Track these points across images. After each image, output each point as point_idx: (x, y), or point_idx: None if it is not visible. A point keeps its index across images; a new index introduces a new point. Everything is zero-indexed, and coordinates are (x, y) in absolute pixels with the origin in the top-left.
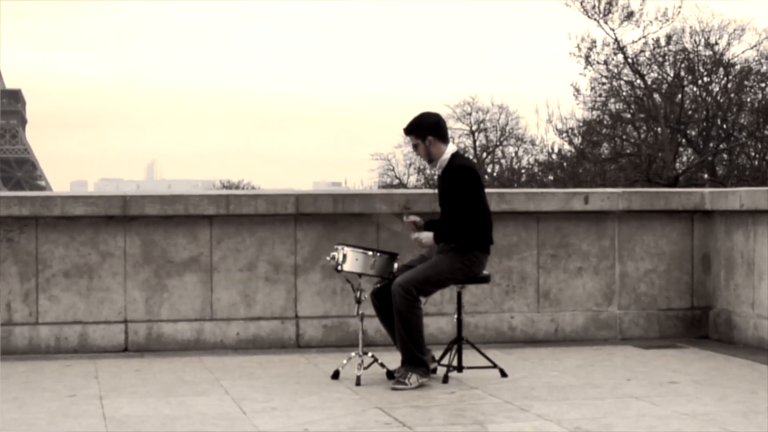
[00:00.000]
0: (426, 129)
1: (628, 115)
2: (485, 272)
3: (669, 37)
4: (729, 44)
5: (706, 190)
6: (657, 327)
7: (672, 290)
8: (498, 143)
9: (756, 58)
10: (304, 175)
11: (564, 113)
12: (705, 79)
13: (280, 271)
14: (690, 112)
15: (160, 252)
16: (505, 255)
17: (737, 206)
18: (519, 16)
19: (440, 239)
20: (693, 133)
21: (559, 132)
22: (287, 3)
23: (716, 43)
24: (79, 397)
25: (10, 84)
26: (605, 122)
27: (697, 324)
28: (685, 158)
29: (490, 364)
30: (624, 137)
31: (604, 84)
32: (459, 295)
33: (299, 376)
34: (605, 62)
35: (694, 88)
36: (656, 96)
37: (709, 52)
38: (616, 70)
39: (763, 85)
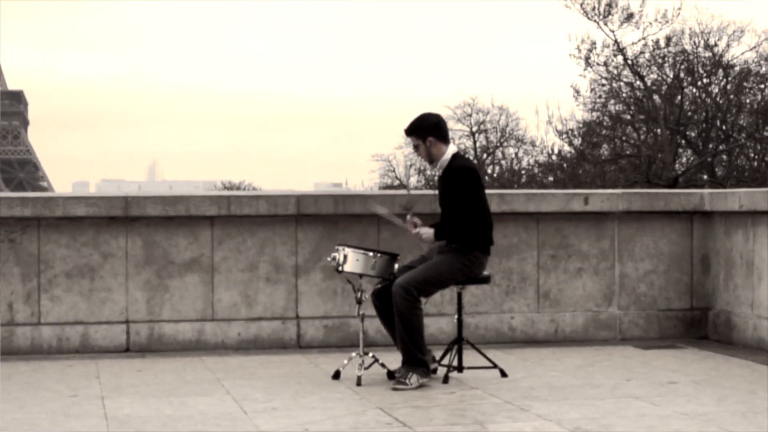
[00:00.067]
0: (427, 130)
1: (628, 117)
2: (485, 273)
3: (669, 39)
4: (728, 46)
5: (706, 191)
6: (657, 327)
7: (671, 291)
8: (498, 144)
9: (755, 60)
10: (304, 176)
11: (564, 114)
12: (704, 80)
13: (281, 272)
14: (689, 114)
15: (162, 252)
16: (505, 256)
17: (736, 207)
18: (519, 17)
19: (440, 238)
20: (692, 134)
21: (559, 133)
22: (287, 3)
23: (716, 45)
24: (80, 397)
25: (12, 85)
26: (605, 123)
27: (697, 324)
28: (684, 159)
29: (490, 364)
30: (624, 138)
31: (603, 85)
32: (459, 296)
33: (300, 376)
34: (605, 64)
35: (694, 90)
36: (656, 97)
37: (708, 54)
38: (615, 72)
39: (762, 86)
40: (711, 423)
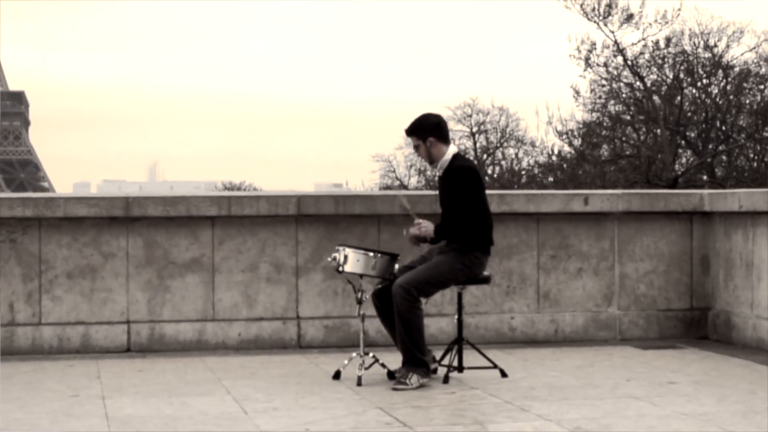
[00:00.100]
0: (427, 130)
1: (628, 117)
2: (486, 273)
3: (668, 40)
4: (728, 46)
5: (705, 191)
6: (656, 327)
7: (671, 291)
8: (498, 145)
9: (755, 60)
10: (305, 177)
11: (564, 115)
12: (704, 81)
13: (282, 272)
14: (689, 114)
15: (163, 253)
16: (505, 256)
17: (736, 207)
18: (519, 17)
19: (441, 239)
20: (692, 134)
21: (559, 134)
22: (287, 3)
23: (715, 46)
24: (81, 397)
25: (13, 86)
26: (605, 124)
27: (697, 324)
28: (684, 160)
29: (490, 364)
30: (623, 139)
31: (603, 86)
32: (459, 296)
33: (301, 376)
34: (605, 64)
35: (694, 90)
36: (656, 98)
37: (708, 55)
38: (615, 72)
39: (762, 87)
40: (711, 423)
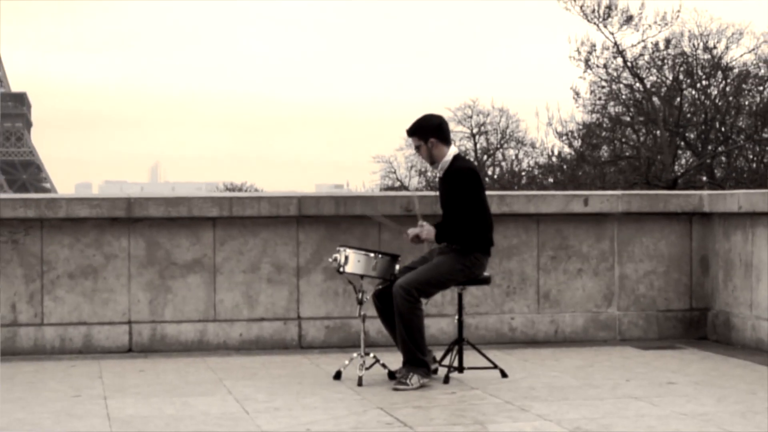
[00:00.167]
0: (429, 131)
1: (628, 118)
2: (486, 274)
3: (668, 41)
4: (727, 48)
5: (705, 192)
6: (656, 328)
7: (671, 291)
8: (498, 146)
9: (754, 62)
10: (306, 178)
11: (564, 116)
12: (703, 82)
13: (283, 273)
14: (689, 116)
15: (164, 253)
16: (505, 256)
17: (735, 208)
18: (519, 18)
19: (441, 240)
20: (692, 136)
21: (559, 135)
22: (287, 3)
23: (715, 47)
24: (83, 397)
25: (15, 87)
26: (605, 125)
27: (696, 325)
28: (683, 161)
29: (490, 364)
30: (623, 140)
31: (603, 87)
32: (460, 297)
33: (302, 376)
34: (605, 66)
35: (693, 92)
36: (655, 99)
37: (707, 56)
38: (615, 74)
39: (761, 88)
40: (710, 423)
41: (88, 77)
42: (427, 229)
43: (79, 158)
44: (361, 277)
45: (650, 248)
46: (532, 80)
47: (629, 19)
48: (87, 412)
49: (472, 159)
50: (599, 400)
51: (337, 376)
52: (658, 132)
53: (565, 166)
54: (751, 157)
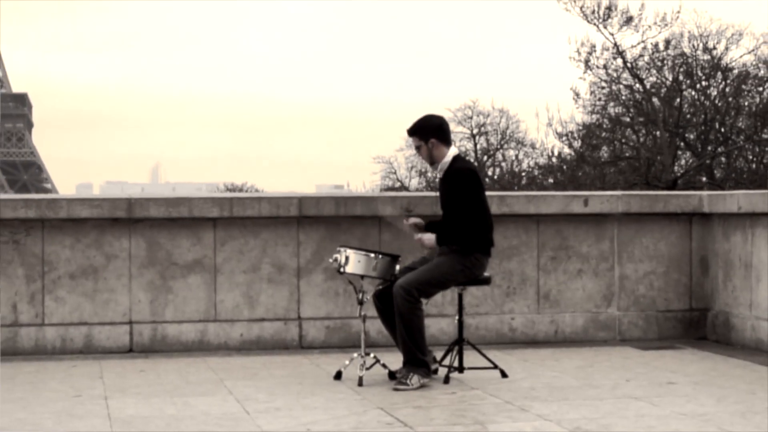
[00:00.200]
0: (429, 131)
1: (628, 119)
2: (486, 274)
3: (668, 42)
4: (727, 49)
5: (705, 193)
6: (656, 328)
7: (671, 292)
8: (498, 146)
9: (754, 63)
10: (306, 179)
11: (564, 117)
12: (703, 83)
13: (283, 273)
14: (688, 116)
15: (165, 254)
16: (505, 257)
17: (735, 209)
18: (519, 19)
19: (442, 242)
20: (691, 136)
21: (559, 135)
22: (287, 3)
23: (714, 48)
24: (84, 397)
25: (16, 87)
26: (605, 126)
27: (696, 325)
28: (683, 161)
29: (490, 365)
30: (623, 141)
31: (603, 88)
32: (460, 297)
33: (302, 376)
34: (604, 66)
35: (693, 92)
36: (655, 100)
37: (707, 57)
38: (615, 75)
39: (760, 89)
40: (710, 423)
41: (88, 77)
42: (427, 237)
43: (80, 159)
44: (362, 277)
45: (650, 248)
46: (532, 81)
47: (629, 20)
48: (88, 412)
49: (472, 159)
50: (599, 400)
51: (338, 376)
52: (658, 133)
53: (565, 167)
54: (750, 157)
